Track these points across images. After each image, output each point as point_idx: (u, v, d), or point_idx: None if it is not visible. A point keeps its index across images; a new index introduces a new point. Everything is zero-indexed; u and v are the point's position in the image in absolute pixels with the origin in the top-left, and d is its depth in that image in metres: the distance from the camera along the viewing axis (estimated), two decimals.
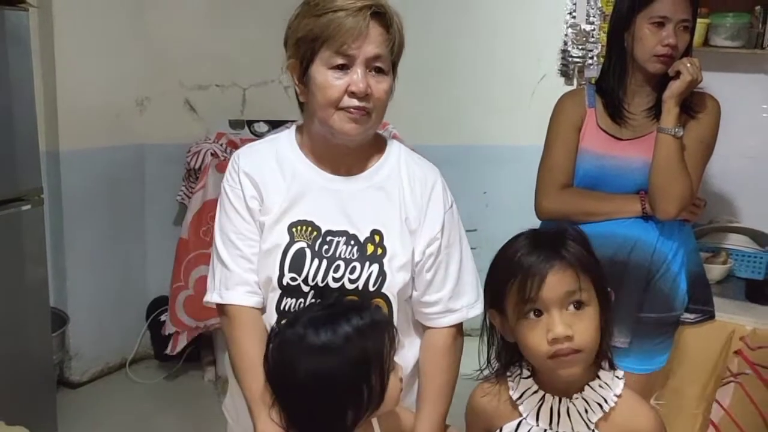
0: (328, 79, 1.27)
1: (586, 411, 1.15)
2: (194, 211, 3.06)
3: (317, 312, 1.20)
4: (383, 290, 1.31)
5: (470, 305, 1.41)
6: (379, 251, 1.32)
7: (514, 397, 1.21)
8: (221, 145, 3.19)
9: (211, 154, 3.12)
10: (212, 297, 1.37)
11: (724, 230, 2.49)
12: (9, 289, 2.42)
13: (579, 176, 1.91)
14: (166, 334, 3.13)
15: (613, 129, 1.89)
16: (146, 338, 3.41)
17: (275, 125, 3.30)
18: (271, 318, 1.34)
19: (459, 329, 1.42)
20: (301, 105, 1.37)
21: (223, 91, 3.42)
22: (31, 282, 2.50)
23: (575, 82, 2.37)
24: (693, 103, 1.85)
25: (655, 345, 1.89)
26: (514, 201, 3.66)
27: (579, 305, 1.11)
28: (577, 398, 1.16)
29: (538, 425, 1.18)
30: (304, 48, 1.29)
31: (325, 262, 1.31)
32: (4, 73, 2.33)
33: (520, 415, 1.20)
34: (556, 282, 1.10)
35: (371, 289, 1.31)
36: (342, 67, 1.27)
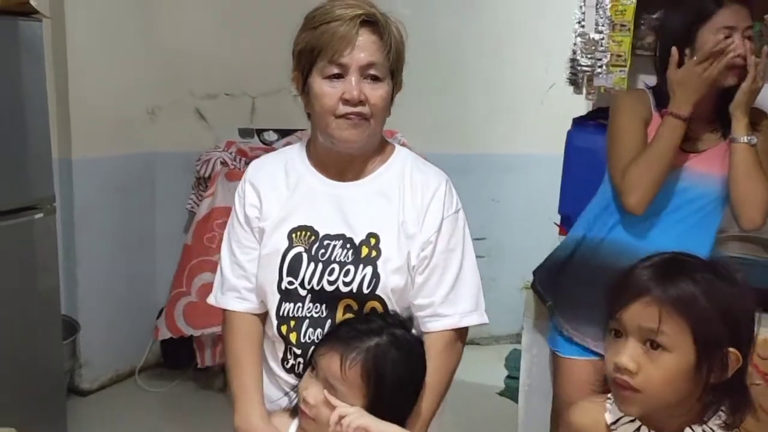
0: (324, 89, 1.30)
1: None
2: (200, 217, 3.08)
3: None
4: (377, 292, 1.32)
5: (465, 313, 1.38)
6: (374, 254, 1.33)
7: (609, 421, 1.13)
8: (231, 153, 3.21)
9: (221, 163, 3.13)
10: (210, 299, 1.48)
11: (734, 239, 2.47)
12: (21, 297, 2.43)
13: None
14: (159, 340, 3.17)
15: None
16: (156, 346, 3.42)
17: (284, 134, 3.32)
18: (272, 324, 1.38)
19: (455, 336, 1.39)
20: (308, 116, 1.40)
21: (232, 100, 3.44)
22: (43, 289, 2.51)
23: (584, 90, 2.37)
24: (751, 118, 1.80)
25: None
26: (522, 209, 3.67)
27: (655, 346, 1.02)
28: None
29: None
30: (303, 60, 1.33)
31: (320, 266, 1.33)
32: (18, 82, 2.36)
33: None
34: (638, 312, 1.03)
35: (365, 291, 1.32)
36: (337, 77, 1.30)
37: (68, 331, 2.90)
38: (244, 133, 3.37)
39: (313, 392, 1.21)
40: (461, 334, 1.41)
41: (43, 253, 2.51)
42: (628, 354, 1.02)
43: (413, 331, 1.34)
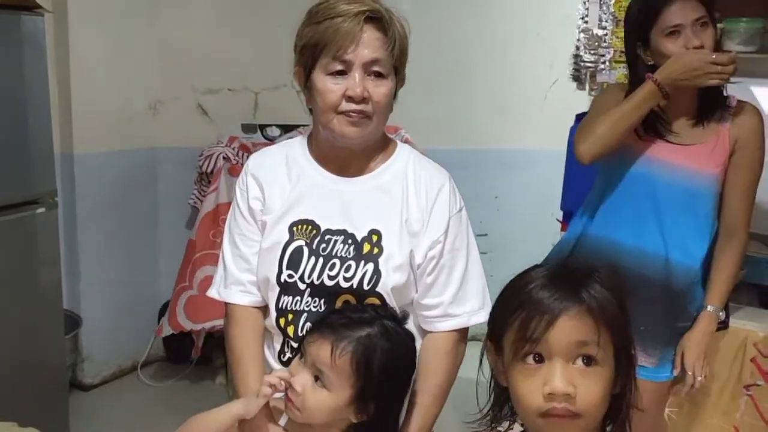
0: (327, 85, 1.30)
1: None
2: (205, 213, 3.08)
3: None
4: (377, 289, 1.32)
5: (473, 312, 1.39)
6: (376, 251, 1.33)
7: None
8: (233, 148, 3.21)
9: (224, 158, 3.13)
10: (211, 292, 1.46)
11: None
12: (23, 291, 2.43)
13: (626, 178, 1.81)
14: (162, 336, 3.18)
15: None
16: (158, 341, 3.42)
17: (287, 129, 3.32)
18: (271, 315, 1.38)
19: (461, 335, 1.40)
20: (310, 110, 1.40)
21: (235, 95, 3.44)
22: (45, 284, 2.51)
23: (587, 86, 2.38)
24: (734, 113, 1.78)
25: (674, 353, 1.83)
26: (525, 205, 3.67)
27: (589, 361, 0.91)
28: None
29: None
30: (306, 55, 1.33)
31: (321, 260, 1.33)
32: (20, 77, 2.36)
33: None
34: (570, 328, 0.91)
35: (365, 287, 1.32)
36: (340, 73, 1.29)
37: (70, 326, 2.90)
38: (247, 128, 3.37)
39: (301, 380, 1.20)
40: (466, 332, 1.41)
41: (45, 247, 2.51)
42: (561, 377, 0.90)
43: (410, 325, 1.32)
